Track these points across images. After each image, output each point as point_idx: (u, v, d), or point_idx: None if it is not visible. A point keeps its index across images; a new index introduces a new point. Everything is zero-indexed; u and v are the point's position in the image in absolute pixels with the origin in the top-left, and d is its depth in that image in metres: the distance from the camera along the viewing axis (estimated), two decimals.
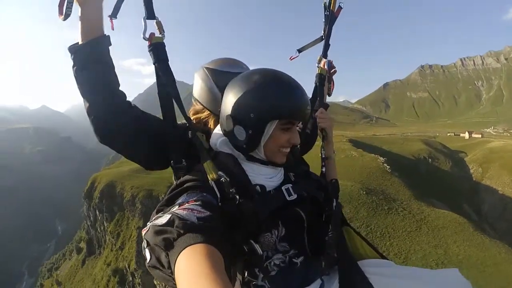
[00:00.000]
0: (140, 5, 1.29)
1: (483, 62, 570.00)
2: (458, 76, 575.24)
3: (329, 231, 1.29)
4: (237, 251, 1.07)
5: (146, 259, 0.89)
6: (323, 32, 2.02)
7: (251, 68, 1.56)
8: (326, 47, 2.03)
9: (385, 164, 40.01)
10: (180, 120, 1.42)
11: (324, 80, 2.03)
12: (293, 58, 2.04)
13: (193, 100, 1.67)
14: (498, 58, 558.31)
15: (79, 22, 1.24)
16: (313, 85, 2.07)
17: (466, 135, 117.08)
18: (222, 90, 1.39)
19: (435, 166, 65.46)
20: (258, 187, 1.22)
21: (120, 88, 1.34)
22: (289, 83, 1.24)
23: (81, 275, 53.89)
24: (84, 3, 1.23)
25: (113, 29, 1.36)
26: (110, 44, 1.29)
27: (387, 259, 1.45)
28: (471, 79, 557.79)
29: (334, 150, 1.90)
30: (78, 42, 1.25)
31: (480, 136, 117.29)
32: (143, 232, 0.91)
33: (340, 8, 2.00)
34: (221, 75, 1.54)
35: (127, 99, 1.34)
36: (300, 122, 1.31)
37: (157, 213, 1.00)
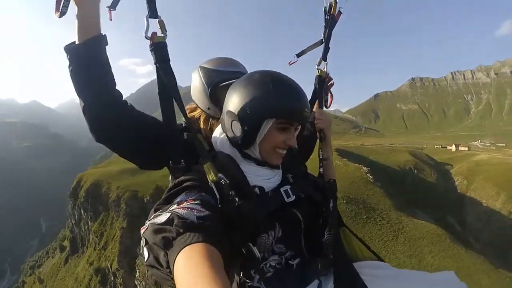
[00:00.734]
0: (140, 4, 1.31)
1: (473, 76, 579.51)
2: (448, 89, 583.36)
3: (326, 232, 1.31)
4: (235, 253, 1.05)
5: (144, 258, 0.88)
6: (323, 35, 2.05)
7: (248, 68, 1.71)
8: (326, 50, 2.05)
9: (368, 174, 40.41)
10: (179, 119, 1.44)
11: (323, 83, 2.05)
12: (292, 63, 2.07)
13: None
14: (488, 73, 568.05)
15: (76, 21, 1.23)
16: (312, 87, 2.10)
17: (453, 148, 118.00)
18: (214, 89, 1.48)
19: (421, 178, 65.84)
20: (257, 189, 1.22)
21: (117, 88, 1.33)
22: (289, 83, 1.25)
23: (64, 274, 53.66)
24: (81, 2, 1.22)
25: (111, 20, 1.36)
26: (107, 44, 1.29)
27: (383, 261, 1.50)
28: (460, 93, 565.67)
29: (332, 151, 1.95)
30: (74, 42, 1.24)
31: (466, 149, 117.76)
32: (142, 231, 0.90)
33: (340, 13, 2.04)
34: (214, 73, 1.58)
35: (123, 99, 1.35)
36: (299, 125, 1.31)
37: (155, 211, 0.99)
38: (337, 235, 1.42)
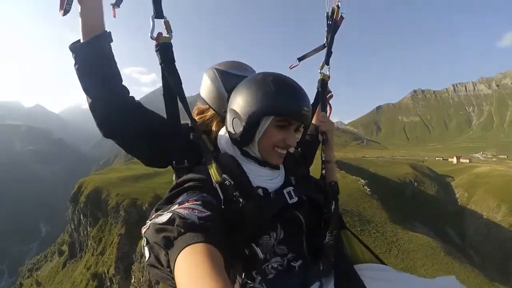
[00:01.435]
0: (145, 11, 1.33)
1: (474, 88, 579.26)
2: (449, 101, 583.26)
3: (328, 234, 1.31)
4: (237, 254, 1.07)
5: (145, 257, 0.89)
6: (325, 40, 2.06)
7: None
8: (329, 54, 2.06)
9: (366, 187, 40.55)
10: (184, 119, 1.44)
11: (326, 86, 2.07)
12: (293, 67, 2.07)
13: (198, 101, 1.73)
14: (489, 84, 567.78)
15: (79, 19, 1.24)
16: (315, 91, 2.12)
17: (454, 160, 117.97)
18: (228, 91, 1.47)
19: (421, 190, 65.85)
20: (260, 190, 1.24)
21: (123, 84, 1.33)
22: (289, 83, 1.28)
23: (61, 277, 53.94)
24: (84, 0, 1.23)
25: (115, 17, 1.39)
26: (112, 41, 1.29)
27: (385, 264, 1.50)
28: (462, 105, 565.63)
29: (334, 154, 1.97)
30: (79, 40, 1.26)
31: (468, 161, 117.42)
32: (143, 230, 0.90)
33: (342, 18, 2.06)
34: (228, 76, 1.57)
35: (130, 94, 1.35)
36: (302, 126, 1.34)
37: (156, 211, 0.99)
38: (338, 237, 1.46)
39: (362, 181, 42.94)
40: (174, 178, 1.41)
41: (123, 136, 1.34)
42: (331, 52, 2.06)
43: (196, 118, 1.64)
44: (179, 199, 1.02)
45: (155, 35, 1.30)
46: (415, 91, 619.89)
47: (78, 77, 1.25)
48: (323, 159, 1.79)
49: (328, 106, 2.15)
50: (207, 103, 1.63)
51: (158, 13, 1.30)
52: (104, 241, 43.98)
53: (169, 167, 1.45)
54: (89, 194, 48.64)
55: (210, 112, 1.64)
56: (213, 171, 1.13)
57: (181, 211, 0.89)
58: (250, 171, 1.27)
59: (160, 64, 1.32)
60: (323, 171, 1.72)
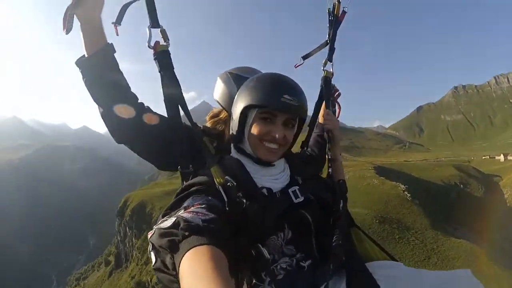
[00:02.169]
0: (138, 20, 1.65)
1: None
2: (492, 95, 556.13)
3: (337, 233, 1.30)
4: (244, 255, 1.06)
5: (152, 262, 0.90)
6: (327, 36, 2.04)
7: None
8: (331, 51, 2.04)
9: (406, 192, 39.51)
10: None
11: (330, 83, 2.05)
12: (298, 66, 2.05)
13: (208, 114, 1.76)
14: None
15: (81, 35, 1.28)
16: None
17: (502, 158, 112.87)
18: None
19: (467, 192, 63.07)
20: (264, 190, 1.23)
21: (132, 90, 1.38)
22: (272, 75, 1.31)
23: (107, 286, 56.28)
24: (83, 17, 1.27)
25: (118, 35, 1.39)
26: (115, 51, 1.32)
27: (397, 261, 1.50)
28: (506, 97, 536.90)
29: (341, 153, 1.95)
30: (84, 55, 1.29)
31: None
32: (149, 235, 0.91)
33: (344, 12, 2.03)
34: (241, 80, 1.54)
35: (139, 101, 1.37)
36: (294, 120, 1.34)
37: (163, 217, 1.00)
38: (348, 236, 1.49)
39: (402, 186, 41.90)
40: (181, 183, 1.40)
41: (133, 141, 1.38)
42: (334, 48, 2.05)
43: (210, 121, 1.69)
44: (185, 204, 1.02)
45: (152, 44, 1.33)
46: (455, 87, 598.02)
47: (88, 90, 1.29)
48: (329, 157, 1.82)
49: (336, 105, 2.18)
50: (221, 105, 1.67)
51: (154, 22, 1.34)
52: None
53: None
54: (134, 208, 51.32)
55: (224, 114, 1.68)
56: (215, 173, 1.14)
57: (186, 215, 0.90)
58: (254, 172, 1.27)
59: (159, 72, 1.34)
60: (330, 170, 1.77)
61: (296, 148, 1.66)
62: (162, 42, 1.34)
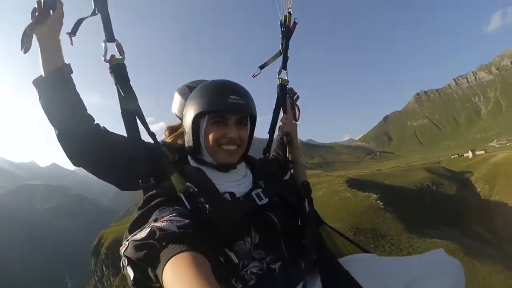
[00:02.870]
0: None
1: (476, 77, 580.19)
2: (454, 96, 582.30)
3: (305, 232, 1.30)
4: (215, 262, 0.96)
5: (129, 278, 0.85)
6: (281, 46, 2.12)
7: None
8: (285, 59, 2.12)
9: (378, 201, 39.94)
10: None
11: (286, 89, 2.12)
12: (255, 75, 2.13)
13: (165, 128, 1.76)
14: (489, 70, 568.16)
15: (40, 54, 1.28)
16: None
17: (470, 154, 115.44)
18: None
19: (440, 192, 63.68)
20: (227, 194, 1.23)
21: (88, 112, 1.36)
22: (213, 81, 1.33)
23: None
24: (42, 36, 1.28)
25: (72, 44, 1.41)
26: (72, 72, 1.32)
27: (369, 252, 1.54)
28: (467, 97, 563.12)
29: (302, 155, 2.02)
30: (41, 75, 1.28)
31: (483, 152, 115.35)
32: (122, 250, 0.87)
33: (295, 23, 2.12)
34: None
35: (95, 122, 1.37)
36: (245, 118, 1.37)
37: (129, 232, 0.97)
38: (317, 234, 1.52)
39: (374, 196, 42.25)
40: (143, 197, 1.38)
41: (92, 163, 1.36)
42: (287, 57, 2.14)
43: (169, 136, 1.69)
44: (153, 217, 1.00)
45: (108, 57, 1.35)
46: (418, 93, 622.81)
47: (44, 110, 1.28)
48: (290, 159, 1.93)
49: (296, 107, 2.28)
50: (180, 118, 1.71)
51: (110, 37, 1.37)
52: None
53: None
54: (109, 245, 49.52)
55: (183, 127, 1.67)
56: (175, 180, 1.13)
57: (159, 224, 0.88)
58: (215, 178, 1.27)
59: (116, 85, 1.35)
60: (292, 171, 1.87)
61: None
62: (117, 56, 1.36)
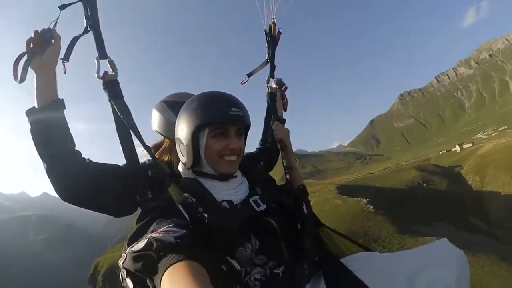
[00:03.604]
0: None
1: (456, 73, 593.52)
2: (437, 93, 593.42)
3: (306, 235, 1.33)
4: (216, 272, 0.99)
5: None
6: (267, 55, 2.16)
7: None
8: (272, 68, 2.16)
9: (368, 205, 39.85)
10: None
11: (275, 97, 2.15)
12: (243, 83, 2.15)
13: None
14: (469, 64, 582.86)
15: (34, 86, 1.29)
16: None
17: (458, 148, 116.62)
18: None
19: (432, 189, 63.72)
20: (225, 203, 1.23)
21: (76, 148, 1.36)
22: (211, 93, 1.32)
23: None
24: (39, 69, 1.30)
25: (65, 72, 1.41)
26: (65, 107, 1.32)
27: (371, 250, 1.52)
28: (450, 93, 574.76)
29: (296, 159, 2.01)
30: (34, 106, 1.28)
31: (470, 145, 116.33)
32: (120, 262, 0.89)
33: (279, 32, 2.17)
34: (176, 105, 1.56)
35: (83, 156, 1.36)
36: (240, 128, 1.36)
37: (128, 245, 0.98)
38: (317, 236, 1.52)
39: (364, 200, 42.15)
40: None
41: (83, 197, 1.34)
42: (275, 66, 2.19)
43: (155, 154, 1.69)
44: (151, 228, 1.01)
45: (101, 74, 1.36)
46: (401, 94, 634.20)
47: (34, 142, 1.27)
48: (285, 165, 1.92)
49: (285, 98, 2.31)
50: (162, 134, 1.71)
51: (102, 54, 1.38)
52: None
53: None
54: (105, 272, 49.23)
55: (167, 143, 1.73)
56: (173, 191, 1.15)
57: (156, 235, 0.89)
58: (212, 187, 1.27)
59: (109, 101, 1.36)
60: (287, 176, 1.86)
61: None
62: (110, 72, 1.38)
